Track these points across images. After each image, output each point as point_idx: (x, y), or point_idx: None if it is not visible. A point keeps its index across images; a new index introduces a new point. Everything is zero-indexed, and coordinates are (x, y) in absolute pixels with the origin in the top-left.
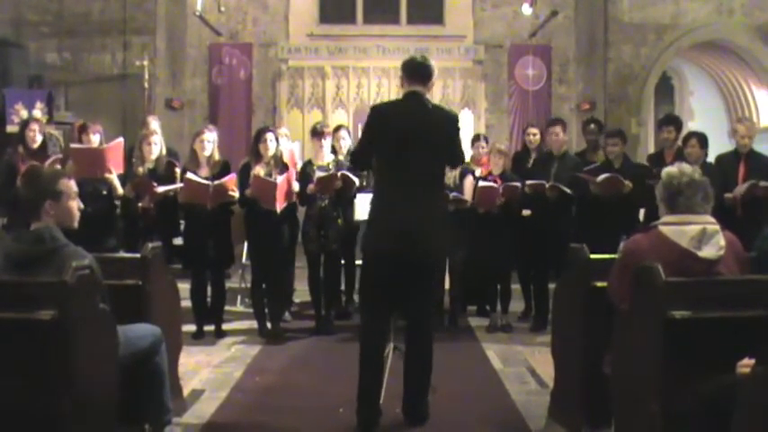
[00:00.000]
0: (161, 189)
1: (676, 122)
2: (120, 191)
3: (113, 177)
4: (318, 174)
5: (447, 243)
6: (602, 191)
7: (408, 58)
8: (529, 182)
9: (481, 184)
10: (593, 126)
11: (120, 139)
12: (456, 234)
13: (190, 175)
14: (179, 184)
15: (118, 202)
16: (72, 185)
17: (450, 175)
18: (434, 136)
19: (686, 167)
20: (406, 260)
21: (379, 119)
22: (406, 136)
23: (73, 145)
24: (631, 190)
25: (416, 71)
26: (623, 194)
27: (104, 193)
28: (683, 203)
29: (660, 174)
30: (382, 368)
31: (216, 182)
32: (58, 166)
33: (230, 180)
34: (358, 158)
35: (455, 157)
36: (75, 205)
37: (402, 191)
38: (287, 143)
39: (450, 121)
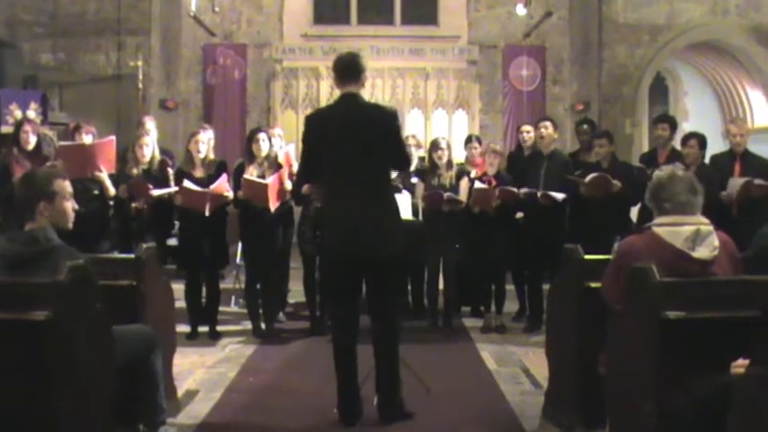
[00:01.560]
0: (156, 192)
1: (671, 121)
2: (112, 191)
3: (104, 177)
4: None
5: (399, 240)
6: (591, 191)
7: (336, 57)
8: (522, 190)
9: (477, 185)
10: (585, 126)
11: (112, 137)
12: (450, 234)
13: (187, 184)
14: (174, 188)
15: (111, 203)
16: (66, 186)
17: (447, 175)
18: (372, 135)
19: (669, 166)
20: (358, 261)
21: (315, 126)
22: (343, 138)
23: (62, 143)
24: (621, 189)
25: (346, 70)
26: (613, 194)
27: (96, 192)
28: (665, 197)
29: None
30: (354, 363)
31: (210, 188)
32: None
33: (221, 185)
34: (303, 176)
35: (399, 159)
36: (70, 206)
37: (347, 193)
38: (281, 143)
39: (387, 119)
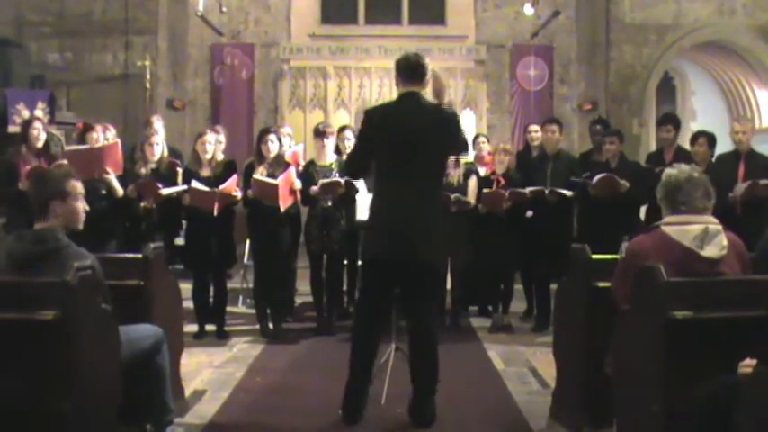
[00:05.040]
0: (165, 191)
1: (675, 121)
2: (120, 192)
3: (111, 178)
4: (323, 180)
5: (446, 243)
6: (598, 192)
7: (402, 56)
8: (529, 189)
9: (487, 190)
10: (599, 127)
11: (116, 140)
12: (458, 234)
13: (195, 185)
14: (182, 187)
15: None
16: (78, 186)
17: (455, 174)
18: (435, 137)
19: (684, 166)
20: (406, 262)
21: (376, 122)
22: (405, 139)
23: (68, 147)
24: (629, 189)
25: (411, 70)
26: (621, 194)
27: (103, 192)
28: (682, 199)
29: (661, 174)
30: (370, 368)
31: (219, 188)
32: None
33: (231, 185)
34: (355, 166)
35: (458, 147)
36: (81, 207)
37: (402, 194)
38: (290, 143)
39: (451, 121)
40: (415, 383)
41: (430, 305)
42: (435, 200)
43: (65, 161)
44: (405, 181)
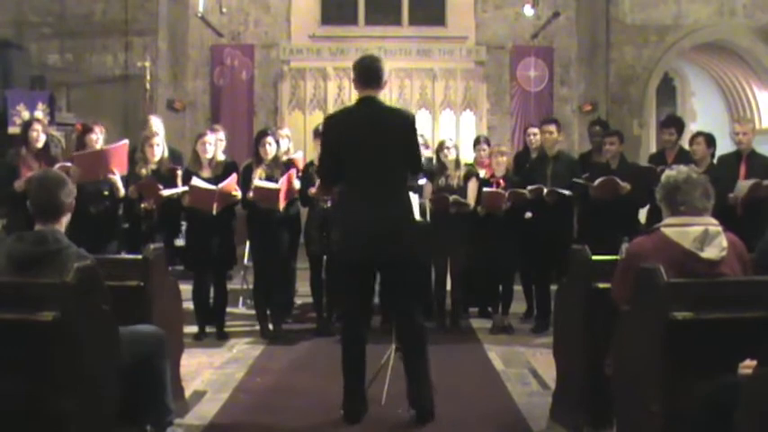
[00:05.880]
0: (166, 192)
1: (678, 124)
2: (122, 192)
3: (116, 178)
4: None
5: (416, 240)
6: (600, 194)
7: (359, 59)
8: (529, 188)
9: (486, 189)
10: (598, 128)
11: (126, 141)
12: (458, 235)
13: (195, 182)
14: (183, 188)
15: (120, 204)
16: None
17: (455, 176)
18: (392, 139)
19: (683, 167)
20: (378, 263)
21: (335, 129)
22: (363, 143)
23: (76, 153)
24: (630, 191)
25: (367, 74)
26: (622, 195)
27: (106, 193)
28: (681, 200)
29: (663, 172)
30: (363, 365)
31: (219, 186)
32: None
33: (230, 184)
34: (328, 177)
35: (413, 162)
36: None
37: (366, 197)
38: (289, 144)
39: (407, 124)
40: (409, 377)
41: (412, 299)
42: (400, 199)
43: (68, 164)
44: (367, 183)
